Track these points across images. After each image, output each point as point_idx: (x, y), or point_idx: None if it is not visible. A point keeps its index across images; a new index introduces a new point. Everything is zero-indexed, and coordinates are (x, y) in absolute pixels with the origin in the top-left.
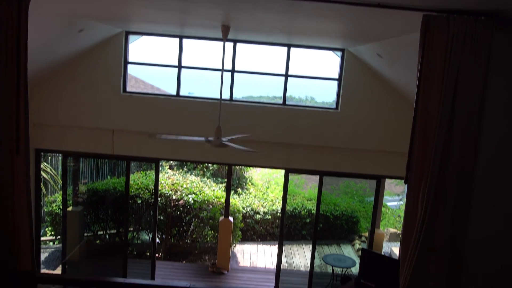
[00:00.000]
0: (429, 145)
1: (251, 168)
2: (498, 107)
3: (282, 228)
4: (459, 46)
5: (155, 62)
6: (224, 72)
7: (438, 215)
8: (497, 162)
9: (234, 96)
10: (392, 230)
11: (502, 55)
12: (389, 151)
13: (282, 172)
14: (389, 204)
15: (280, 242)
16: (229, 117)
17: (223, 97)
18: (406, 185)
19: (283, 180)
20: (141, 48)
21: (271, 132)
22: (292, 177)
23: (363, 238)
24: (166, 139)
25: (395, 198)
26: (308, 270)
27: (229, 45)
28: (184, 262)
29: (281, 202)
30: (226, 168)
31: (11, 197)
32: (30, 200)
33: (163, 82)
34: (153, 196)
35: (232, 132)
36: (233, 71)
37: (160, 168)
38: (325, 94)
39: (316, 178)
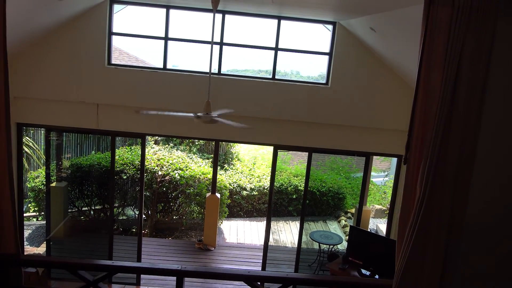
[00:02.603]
0: (429, 125)
1: (237, 143)
2: (501, 86)
3: (270, 204)
4: (464, 20)
5: (140, 33)
6: (214, 45)
7: (437, 196)
8: (499, 144)
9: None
10: (377, 206)
11: (508, 31)
12: (378, 128)
13: (268, 148)
14: (374, 180)
15: (268, 219)
16: (217, 91)
17: (213, 70)
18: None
19: (269, 156)
20: (126, 18)
21: (259, 107)
22: (279, 153)
23: (349, 215)
24: (153, 115)
25: (380, 175)
26: (295, 246)
27: (218, 17)
28: (170, 238)
29: (267, 178)
30: (213, 143)
31: None
32: (13, 180)
33: (148, 55)
34: (138, 172)
35: (220, 107)
36: (221, 43)
37: (146, 143)
38: (311, 69)
39: (302, 154)
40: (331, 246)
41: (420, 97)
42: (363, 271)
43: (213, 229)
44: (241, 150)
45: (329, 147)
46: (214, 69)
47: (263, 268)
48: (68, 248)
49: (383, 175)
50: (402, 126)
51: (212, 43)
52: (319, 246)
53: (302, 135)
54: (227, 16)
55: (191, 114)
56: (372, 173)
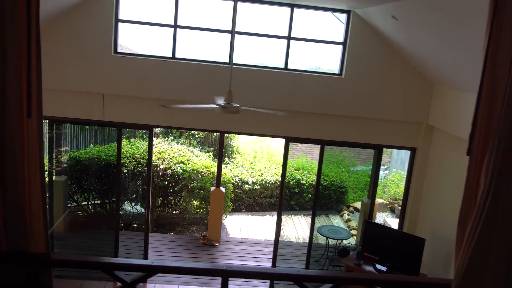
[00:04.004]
0: (496, 114)
1: (237, 136)
2: None
3: (281, 199)
4: None
5: (148, 21)
6: (222, 34)
7: (503, 192)
8: None
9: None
10: (379, 200)
11: None
12: (392, 120)
13: (268, 140)
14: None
15: (278, 213)
16: (228, 81)
17: (220, 59)
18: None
19: (269, 149)
20: (133, 5)
21: (271, 98)
22: (279, 146)
23: (351, 209)
24: (179, 108)
25: (381, 168)
26: (300, 241)
27: (229, 4)
28: (172, 234)
29: (269, 172)
30: (213, 136)
31: (22, 169)
32: (44, 175)
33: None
34: (139, 166)
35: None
36: (233, 32)
37: (144, 136)
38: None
39: (302, 147)
40: (339, 241)
41: (485, 84)
42: (379, 266)
43: (217, 224)
44: (241, 144)
45: (341, 139)
46: (225, 59)
47: (274, 264)
48: (70, 245)
49: (383, 168)
50: (417, 118)
51: (233, 32)
52: (327, 241)
53: (314, 127)
54: (239, 3)
55: (216, 106)
56: (371, 166)
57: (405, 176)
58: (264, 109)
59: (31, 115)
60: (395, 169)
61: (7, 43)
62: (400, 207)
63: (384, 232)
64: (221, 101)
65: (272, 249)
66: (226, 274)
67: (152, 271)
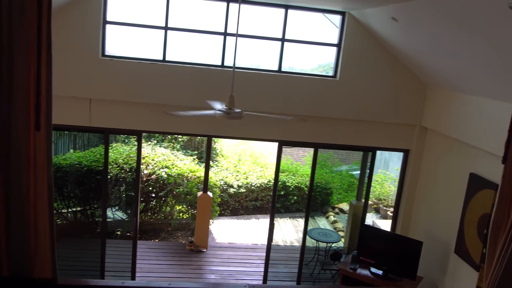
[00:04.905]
0: None
1: (220, 139)
2: None
3: (274, 203)
4: None
5: (137, 22)
6: (213, 36)
7: None
8: None
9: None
10: (363, 200)
11: None
12: (386, 123)
13: (251, 143)
14: (355, 174)
15: (271, 217)
16: (220, 84)
17: (212, 62)
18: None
19: (252, 151)
20: (121, 7)
21: (264, 101)
22: (262, 148)
23: (337, 210)
24: (185, 116)
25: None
26: (288, 244)
27: (222, 5)
28: (157, 240)
29: (254, 174)
30: (196, 139)
31: (28, 187)
32: (52, 191)
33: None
34: (122, 171)
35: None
36: (225, 34)
37: (126, 141)
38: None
39: (290, 149)
40: (329, 244)
41: None
42: (374, 270)
43: (205, 230)
44: (225, 146)
45: (335, 142)
46: (218, 62)
47: (266, 269)
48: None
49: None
50: (411, 120)
51: (237, 35)
52: (317, 244)
53: (307, 130)
54: (231, 4)
55: (219, 111)
56: (355, 167)
57: (390, 177)
58: (268, 113)
59: (40, 128)
60: (379, 169)
61: (14, 47)
62: (385, 208)
63: (380, 235)
64: (220, 106)
65: (260, 254)
66: None
67: None
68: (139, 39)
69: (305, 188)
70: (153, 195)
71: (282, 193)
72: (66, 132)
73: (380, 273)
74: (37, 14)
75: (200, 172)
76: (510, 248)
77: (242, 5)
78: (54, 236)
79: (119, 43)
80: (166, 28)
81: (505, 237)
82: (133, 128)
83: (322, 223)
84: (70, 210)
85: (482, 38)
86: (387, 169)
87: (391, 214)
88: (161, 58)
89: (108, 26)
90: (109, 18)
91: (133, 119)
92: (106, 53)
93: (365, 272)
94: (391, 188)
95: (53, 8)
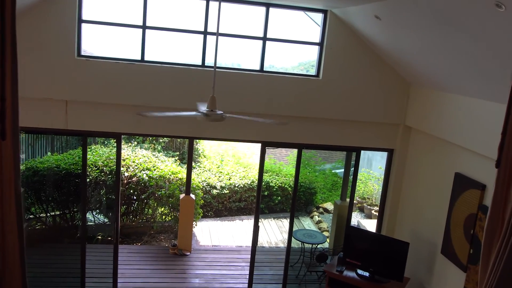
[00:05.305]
0: None
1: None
2: None
3: (258, 205)
4: None
5: (114, 21)
6: (193, 35)
7: None
8: None
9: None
10: (348, 200)
11: None
12: (370, 122)
13: (234, 143)
14: (338, 172)
15: (256, 218)
16: (200, 84)
17: (193, 62)
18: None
19: (234, 151)
20: (97, 5)
21: (246, 101)
22: (244, 148)
23: (321, 209)
24: (157, 116)
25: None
26: (273, 246)
27: (202, 3)
28: (139, 244)
29: (237, 175)
30: (178, 140)
31: None
32: (21, 206)
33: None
34: (102, 174)
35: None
36: (205, 33)
37: (106, 142)
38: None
39: (273, 149)
40: (314, 245)
41: None
42: (361, 272)
43: (188, 232)
44: (207, 147)
45: (319, 142)
46: (198, 62)
47: (251, 271)
48: (30, 262)
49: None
50: (394, 119)
51: (217, 34)
52: (302, 245)
53: (291, 131)
54: (211, 2)
55: (198, 113)
56: (338, 165)
57: (374, 175)
58: (249, 115)
59: (5, 137)
60: (363, 168)
61: None
62: (369, 207)
63: (366, 236)
64: (203, 108)
65: (245, 256)
66: None
67: None
68: (117, 38)
69: (289, 188)
70: (135, 197)
71: (266, 193)
72: (43, 135)
73: (367, 275)
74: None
75: (182, 173)
76: (504, 259)
77: (223, 3)
78: (24, 252)
79: (95, 42)
80: (144, 27)
81: (499, 244)
82: (112, 131)
83: (306, 223)
84: (49, 214)
85: (467, 36)
86: (370, 167)
87: (375, 213)
88: (139, 58)
89: (83, 25)
90: (84, 16)
91: (111, 121)
92: (82, 53)
93: (351, 274)
94: (374, 187)
95: (25, 6)
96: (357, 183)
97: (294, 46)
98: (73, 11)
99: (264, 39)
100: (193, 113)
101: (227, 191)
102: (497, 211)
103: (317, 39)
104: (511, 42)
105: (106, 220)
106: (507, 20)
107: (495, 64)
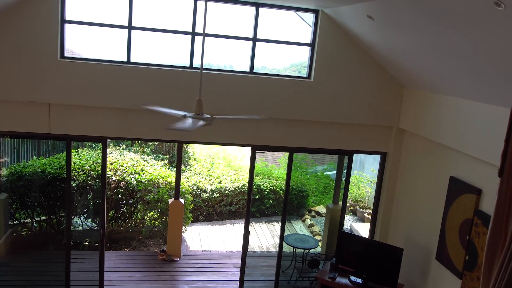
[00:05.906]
0: None
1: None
2: None
3: (249, 210)
4: None
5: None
6: (181, 36)
7: None
8: None
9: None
10: (340, 203)
11: None
12: (363, 125)
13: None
14: (330, 174)
15: (246, 223)
16: (189, 86)
17: (180, 63)
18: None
19: (225, 154)
20: (81, 4)
21: (236, 104)
22: (235, 151)
23: (313, 213)
24: (153, 110)
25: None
26: (264, 250)
27: (189, 3)
28: (127, 250)
29: (228, 178)
30: (168, 143)
31: None
32: None
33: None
34: (89, 178)
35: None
36: (193, 33)
37: (94, 146)
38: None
39: (263, 153)
40: (306, 251)
41: None
42: (354, 278)
43: (177, 238)
44: (197, 150)
45: (310, 146)
46: (186, 63)
47: (241, 277)
48: (13, 270)
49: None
50: (387, 122)
51: (204, 35)
52: (294, 250)
53: (282, 134)
54: (198, 2)
55: (186, 113)
56: (330, 168)
57: (366, 178)
58: (236, 115)
59: None
60: (355, 171)
61: None
62: (362, 210)
63: (359, 242)
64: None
65: (236, 262)
66: None
67: None
68: (102, 39)
69: (281, 192)
70: (123, 202)
71: (257, 196)
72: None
73: (360, 282)
74: None
75: (172, 177)
76: (508, 271)
77: (211, 3)
78: None
79: (79, 43)
80: (129, 27)
81: (503, 259)
82: (97, 135)
83: (298, 226)
84: (34, 220)
85: (463, 37)
86: (363, 170)
87: (368, 217)
88: (125, 59)
89: (67, 26)
90: (68, 17)
91: (96, 125)
92: (66, 55)
93: (344, 280)
94: (367, 190)
95: (5, 6)
96: (349, 186)
97: (286, 47)
98: (56, 10)
99: (254, 40)
100: (183, 112)
101: (218, 195)
102: (499, 223)
103: (308, 40)
104: (510, 42)
105: (94, 225)
106: (507, 20)
107: (492, 65)
